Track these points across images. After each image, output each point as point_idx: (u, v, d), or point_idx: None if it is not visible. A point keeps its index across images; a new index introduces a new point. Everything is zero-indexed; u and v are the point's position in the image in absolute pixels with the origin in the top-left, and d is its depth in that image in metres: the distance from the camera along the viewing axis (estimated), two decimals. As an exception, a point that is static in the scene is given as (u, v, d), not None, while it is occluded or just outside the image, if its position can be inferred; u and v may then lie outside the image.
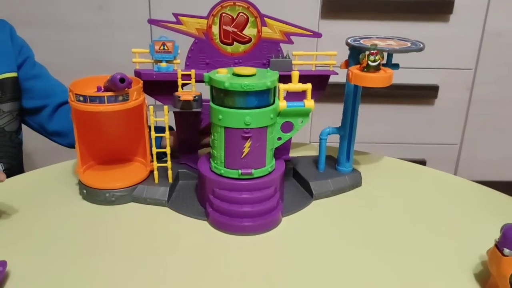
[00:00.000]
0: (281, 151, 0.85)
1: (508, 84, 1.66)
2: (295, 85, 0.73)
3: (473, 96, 1.67)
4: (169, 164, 0.79)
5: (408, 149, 1.72)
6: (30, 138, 1.10)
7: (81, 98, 0.72)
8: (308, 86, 0.73)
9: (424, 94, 1.65)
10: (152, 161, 0.79)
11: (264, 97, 0.70)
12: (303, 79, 0.74)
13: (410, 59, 1.58)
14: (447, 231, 0.73)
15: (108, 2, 1.50)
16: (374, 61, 0.71)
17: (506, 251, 0.56)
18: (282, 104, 0.72)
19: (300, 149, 0.99)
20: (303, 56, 0.82)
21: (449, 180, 0.90)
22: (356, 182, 0.85)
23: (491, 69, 1.63)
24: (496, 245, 0.58)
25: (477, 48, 1.61)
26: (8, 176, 0.84)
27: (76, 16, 1.51)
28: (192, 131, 0.84)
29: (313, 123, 1.62)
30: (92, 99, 0.71)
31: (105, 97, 0.71)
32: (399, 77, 1.59)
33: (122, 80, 0.70)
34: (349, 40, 0.79)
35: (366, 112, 1.64)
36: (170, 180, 0.80)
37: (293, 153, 0.93)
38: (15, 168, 0.96)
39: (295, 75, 0.73)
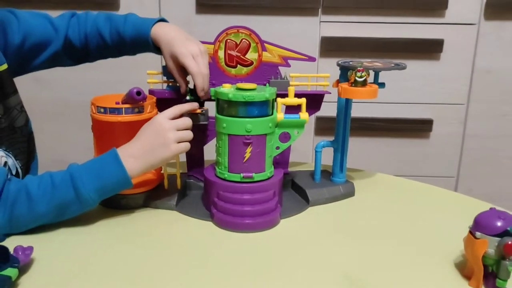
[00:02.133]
0: (281, 165, 0.92)
1: (500, 118, 1.74)
2: (291, 99, 0.82)
3: (466, 130, 1.75)
4: (178, 172, 0.87)
5: (406, 180, 1.79)
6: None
7: (102, 110, 0.81)
8: (303, 100, 0.82)
9: (419, 128, 1.74)
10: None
11: (263, 107, 0.79)
12: (298, 97, 0.83)
13: (405, 95, 1.70)
14: (431, 231, 0.80)
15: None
16: (361, 77, 0.80)
17: (478, 234, 0.62)
18: (279, 115, 0.81)
19: (299, 167, 1.07)
20: (300, 77, 0.92)
21: (439, 192, 0.97)
22: (349, 191, 0.92)
23: (482, 104, 1.73)
24: (470, 231, 0.64)
25: (468, 84, 1.71)
26: (25, 172, 0.90)
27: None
28: (199, 145, 0.93)
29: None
30: (112, 111, 0.81)
31: (123, 109, 0.81)
32: (395, 111, 1.71)
33: (138, 93, 0.80)
34: (339, 62, 0.89)
35: (364, 145, 1.74)
36: (179, 187, 0.88)
37: (292, 170, 1.01)
38: (30, 163, 0.95)
39: (291, 90, 0.82)
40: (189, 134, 0.81)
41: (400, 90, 1.69)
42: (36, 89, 1.65)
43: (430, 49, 1.67)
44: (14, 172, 0.86)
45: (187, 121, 0.81)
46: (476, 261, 0.62)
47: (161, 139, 0.78)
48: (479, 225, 0.63)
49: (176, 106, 0.82)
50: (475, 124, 1.74)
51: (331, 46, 1.65)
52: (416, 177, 1.80)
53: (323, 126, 1.71)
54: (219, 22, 1.61)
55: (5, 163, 0.83)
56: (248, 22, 0.91)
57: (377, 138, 1.76)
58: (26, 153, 0.91)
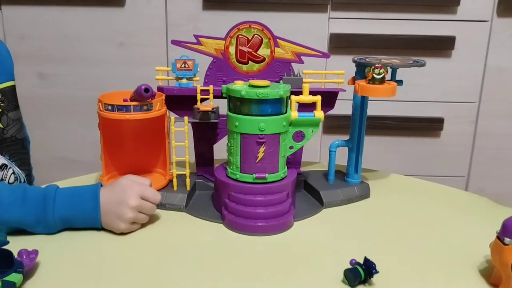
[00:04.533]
0: (293, 165, 0.89)
1: (512, 118, 1.71)
2: (306, 97, 0.79)
3: (478, 129, 1.72)
4: (187, 172, 0.84)
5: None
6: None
7: (109, 107, 0.78)
8: (318, 98, 0.79)
9: (429, 126, 1.70)
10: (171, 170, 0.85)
11: (277, 105, 0.76)
12: (313, 95, 0.79)
13: (415, 93, 1.66)
14: (451, 235, 0.76)
15: (128, 39, 1.59)
16: (379, 74, 0.77)
17: (507, 240, 0.59)
18: (294, 114, 0.78)
19: (311, 167, 1.04)
20: (313, 74, 0.89)
21: (455, 193, 0.94)
22: (364, 193, 0.89)
23: (494, 103, 1.69)
24: (497, 237, 0.61)
25: (480, 82, 1.67)
26: (28, 183, 0.91)
27: (99, 52, 1.60)
28: (208, 144, 0.90)
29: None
30: (119, 108, 0.78)
31: (131, 106, 0.78)
32: (405, 110, 1.68)
33: (146, 90, 0.77)
34: (355, 58, 0.85)
35: (373, 144, 1.70)
36: (188, 188, 0.85)
37: (304, 170, 0.97)
38: (30, 174, 0.97)
39: (305, 87, 0.79)
40: (145, 218, 0.76)
41: (411, 88, 1.64)
42: (41, 85, 1.62)
43: (441, 46, 1.63)
44: (22, 180, 0.87)
45: (151, 208, 0.76)
46: (505, 268, 0.59)
47: (119, 212, 0.73)
48: (508, 230, 0.59)
49: (159, 194, 0.77)
50: (487, 122, 1.71)
51: (340, 43, 1.62)
52: (426, 177, 1.76)
53: (332, 124, 1.67)
54: (225, 19, 1.58)
55: (4, 165, 0.82)
56: (255, 18, 0.87)
57: (387, 137, 1.72)
58: (27, 164, 0.93)
